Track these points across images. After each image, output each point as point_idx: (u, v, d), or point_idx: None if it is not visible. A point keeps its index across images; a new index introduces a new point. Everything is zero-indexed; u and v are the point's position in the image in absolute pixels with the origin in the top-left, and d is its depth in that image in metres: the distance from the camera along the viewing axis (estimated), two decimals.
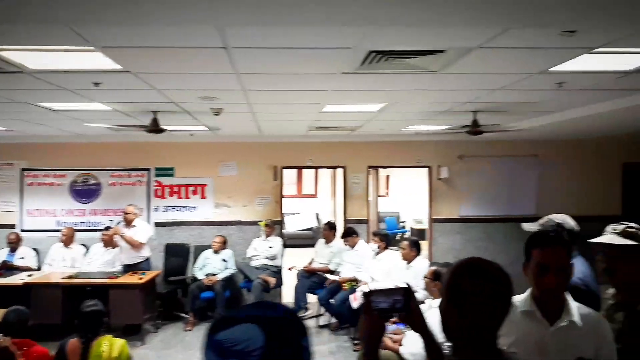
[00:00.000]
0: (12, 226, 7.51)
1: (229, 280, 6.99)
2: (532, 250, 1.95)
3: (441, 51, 2.99)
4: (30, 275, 6.45)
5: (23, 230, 7.49)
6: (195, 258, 7.29)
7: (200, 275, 6.94)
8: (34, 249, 7.28)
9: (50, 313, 5.91)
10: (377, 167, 8.31)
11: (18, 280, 6.22)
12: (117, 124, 5.49)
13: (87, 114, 5.21)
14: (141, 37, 2.61)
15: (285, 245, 7.63)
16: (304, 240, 11.47)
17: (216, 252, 7.12)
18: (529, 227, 2.88)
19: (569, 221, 2.84)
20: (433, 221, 8.03)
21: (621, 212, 7.75)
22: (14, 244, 7.07)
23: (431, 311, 2.37)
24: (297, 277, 6.95)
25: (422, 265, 5.26)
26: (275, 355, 1.02)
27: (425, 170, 8.17)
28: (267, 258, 7.12)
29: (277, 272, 7.11)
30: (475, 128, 5.27)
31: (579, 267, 2.47)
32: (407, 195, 12.32)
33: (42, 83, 3.68)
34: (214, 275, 6.86)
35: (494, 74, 3.59)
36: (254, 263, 7.12)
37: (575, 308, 1.94)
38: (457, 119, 5.50)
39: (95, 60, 3.02)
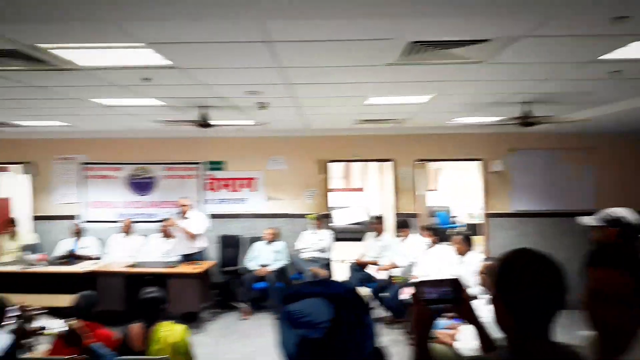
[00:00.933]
0: (75, 217, 7.98)
1: (281, 272, 7.13)
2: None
3: (485, 40, 2.94)
4: (94, 264, 6.84)
5: (86, 222, 7.93)
6: (248, 249, 7.48)
7: (252, 266, 7.12)
8: (97, 239, 7.69)
9: (114, 300, 6.23)
10: (425, 160, 8.18)
11: (83, 269, 6.61)
12: (168, 119, 5.71)
13: (137, 110, 5.43)
14: (188, 33, 2.72)
15: (335, 239, 7.69)
16: (353, 234, 11.49)
17: (268, 243, 7.28)
18: (586, 221, 2.80)
19: (629, 215, 2.73)
20: (488, 216, 7.86)
21: None
22: (77, 234, 7.50)
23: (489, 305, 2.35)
24: (349, 270, 7.00)
25: (475, 259, 5.18)
26: (341, 328, 1.10)
27: (476, 163, 7.99)
28: (316, 251, 7.21)
29: (327, 265, 7.19)
30: (526, 119, 5.12)
31: None
32: (456, 190, 12.08)
33: (94, 79, 3.87)
34: (266, 266, 7.02)
35: (541, 63, 3.48)
36: (303, 255, 7.23)
37: None
38: (507, 110, 5.36)
39: (144, 56, 3.17)
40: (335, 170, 8.67)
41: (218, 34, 2.73)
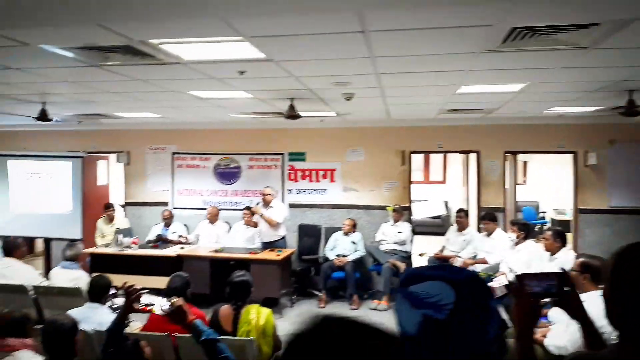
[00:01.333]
0: (165, 204, 8.42)
1: (358, 262, 7.15)
2: None
3: (594, 25, 2.75)
4: (182, 249, 7.21)
5: (174, 208, 8.35)
6: (326, 239, 7.56)
7: (331, 255, 7.19)
8: (184, 225, 8.09)
9: (201, 283, 6.52)
10: (514, 152, 7.83)
11: (172, 253, 6.98)
12: (256, 111, 5.88)
13: (228, 102, 5.64)
14: (285, 26, 2.77)
15: (413, 232, 7.59)
16: (431, 227, 11.29)
17: (346, 234, 7.31)
18: None
19: None
20: (579, 212, 7.41)
21: None
22: (167, 220, 7.92)
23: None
24: (428, 264, 6.88)
25: (567, 257, 4.91)
26: (465, 312, 1.11)
27: (569, 156, 7.54)
28: (395, 243, 7.15)
29: (406, 258, 7.11)
30: (631, 109, 4.76)
31: None
32: (547, 184, 11.48)
33: (195, 73, 4.06)
34: (344, 256, 7.07)
35: None
36: (382, 247, 7.20)
37: None
38: (610, 100, 5.01)
39: (242, 50, 3.27)
40: (414, 162, 8.50)
41: (315, 26, 2.76)
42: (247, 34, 2.92)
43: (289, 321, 6.30)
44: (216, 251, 6.92)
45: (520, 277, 1.52)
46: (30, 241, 8.55)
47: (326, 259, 7.22)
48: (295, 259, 7.51)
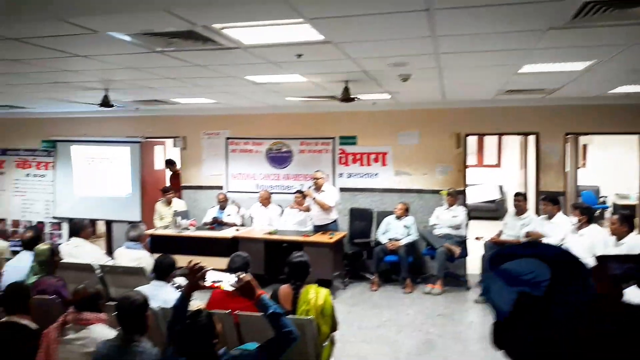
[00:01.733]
0: (220, 187, 8.61)
1: (411, 246, 7.10)
2: None
3: None
4: (237, 231, 7.37)
5: (229, 192, 8.54)
6: (378, 223, 7.54)
7: (383, 239, 7.17)
8: (238, 208, 8.24)
9: (256, 264, 6.62)
10: (576, 134, 7.50)
11: (228, 234, 7.16)
12: (309, 95, 5.89)
13: (284, 86, 5.66)
14: (348, 6, 2.74)
15: (468, 217, 7.44)
16: (485, 212, 11.04)
17: (398, 217, 7.26)
18: None
19: None
20: None
21: None
22: (222, 203, 8.11)
23: None
24: (485, 249, 6.76)
25: (636, 241, 4.70)
26: (562, 289, 1.09)
27: (633, 138, 7.17)
28: (450, 227, 7.04)
29: (461, 242, 7.00)
30: None
31: None
32: (608, 167, 10.96)
33: (253, 57, 4.10)
34: (397, 240, 7.03)
35: None
36: (436, 232, 7.11)
37: None
38: None
39: (301, 32, 3.27)
40: (468, 145, 8.30)
41: (379, 5, 2.72)
42: (309, 15, 2.91)
43: (343, 303, 6.36)
44: (270, 233, 7.04)
45: (602, 259, 1.48)
46: (92, 223, 9.00)
47: (378, 243, 7.21)
48: (346, 242, 7.53)
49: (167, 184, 8.86)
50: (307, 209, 7.37)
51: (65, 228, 8.73)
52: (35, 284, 4.03)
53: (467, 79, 5.30)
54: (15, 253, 5.31)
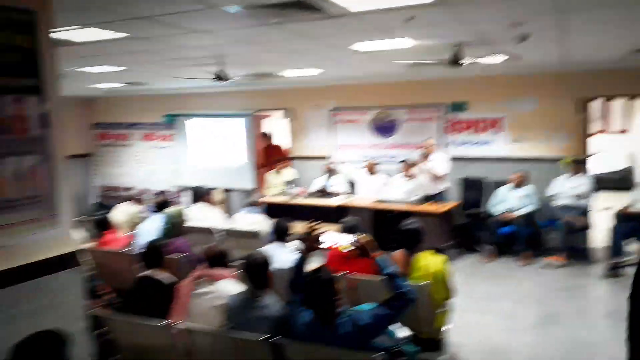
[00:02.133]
0: (326, 158, 8.74)
1: (528, 217, 6.73)
2: None
3: None
4: (344, 199, 7.47)
5: (335, 162, 8.64)
6: (490, 193, 7.23)
7: (496, 210, 6.87)
8: (345, 177, 8.33)
9: (364, 232, 6.74)
10: None
11: (337, 202, 7.29)
12: (418, 61, 5.67)
13: (390, 54, 5.50)
14: None
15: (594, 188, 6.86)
16: (609, 182, 10.10)
17: (514, 187, 6.90)
18: None
19: None
20: None
21: None
22: (329, 173, 8.25)
23: None
24: (616, 219, 6.19)
25: None
26: None
27: None
28: (572, 197, 6.55)
29: (584, 213, 6.50)
30: None
31: None
32: None
33: (358, 24, 4.00)
34: (512, 210, 6.70)
35: None
36: (557, 202, 6.65)
37: None
38: None
39: None
40: (592, 110, 7.59)
41: None
42: None
43: (456, 274, 6.23)
44: (378, 202, 7.04)
45: None
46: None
47: (492, 214, 6.91)
48: (458, 213, 7.31)
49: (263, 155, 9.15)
50: (413, 177, 7.25)
51: (185, 196, 9.43)
52: (168, 243, 4.42)
53: (593, 38, 4.80)
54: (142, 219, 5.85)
